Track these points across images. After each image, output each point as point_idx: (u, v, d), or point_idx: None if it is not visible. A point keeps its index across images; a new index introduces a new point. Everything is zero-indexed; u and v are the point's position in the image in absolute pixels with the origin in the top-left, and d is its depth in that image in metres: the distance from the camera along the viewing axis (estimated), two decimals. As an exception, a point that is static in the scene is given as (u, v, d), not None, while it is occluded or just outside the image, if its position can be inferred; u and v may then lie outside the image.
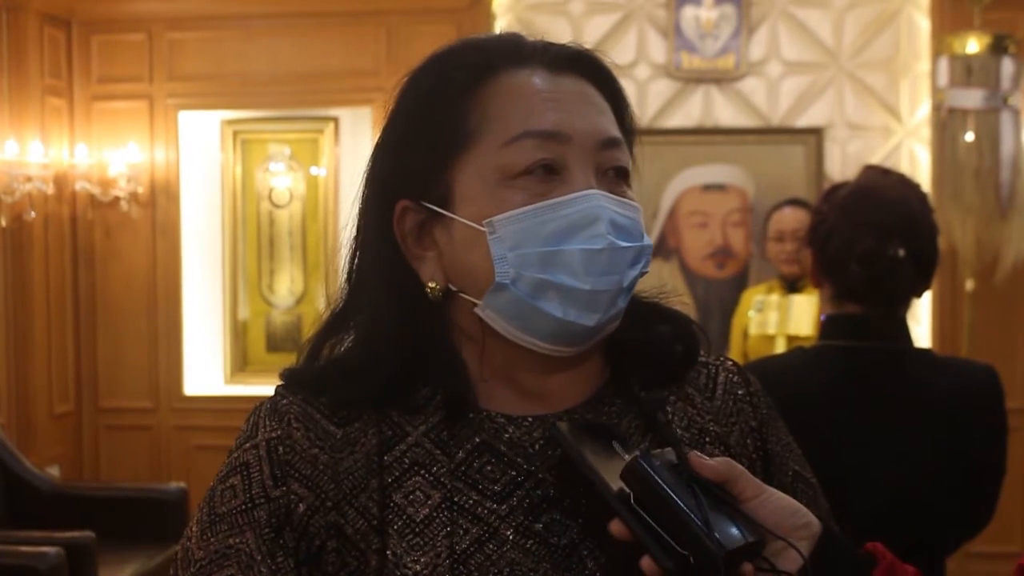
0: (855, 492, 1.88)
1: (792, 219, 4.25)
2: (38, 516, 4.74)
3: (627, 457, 1.00)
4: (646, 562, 0.96)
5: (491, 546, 1.03)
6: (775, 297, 4.34)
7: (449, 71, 1.09)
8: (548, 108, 1.05)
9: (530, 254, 1.03)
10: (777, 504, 1.01)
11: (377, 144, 1.12)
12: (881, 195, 2.03)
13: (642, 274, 1.08)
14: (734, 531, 0.96)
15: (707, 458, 1.01)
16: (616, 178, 1.08)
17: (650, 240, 1.09)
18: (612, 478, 0.99)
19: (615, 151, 1.08)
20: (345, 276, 1.14)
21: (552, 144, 1.04)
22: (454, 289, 1.08)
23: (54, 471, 5.46)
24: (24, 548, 4.04)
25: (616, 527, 0.98)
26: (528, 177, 1.04)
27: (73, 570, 4.05)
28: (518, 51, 1.09)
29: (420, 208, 1.08)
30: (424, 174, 1.07)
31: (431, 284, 1.08)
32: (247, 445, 1.08)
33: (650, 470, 0.97)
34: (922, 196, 2.07)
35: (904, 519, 1.93)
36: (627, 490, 0.98)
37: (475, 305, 1.06)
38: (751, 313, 4.41)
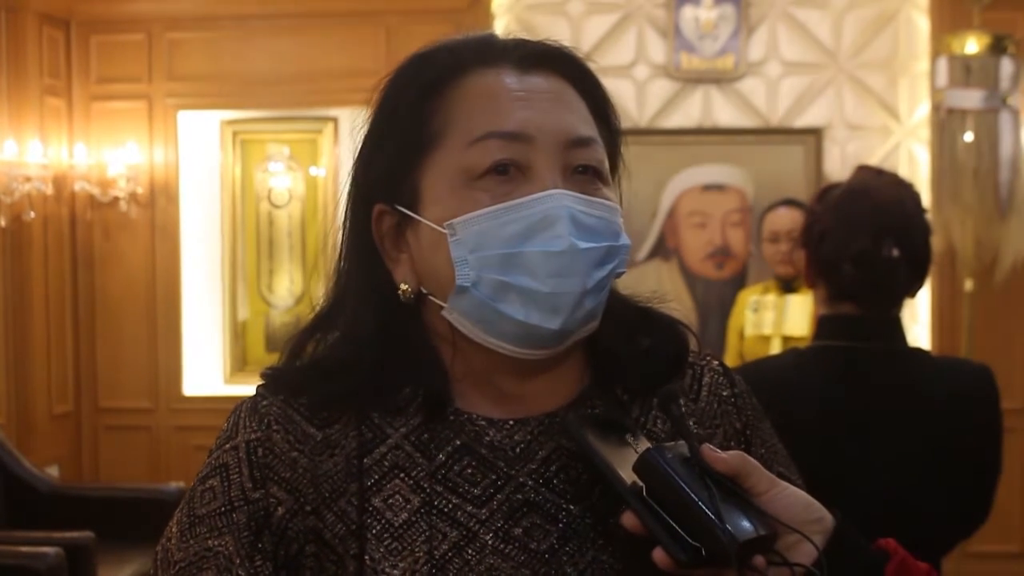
0: (850, 492, 1.87)
1: (786, 219, 4.24)
2: (38, 516, 4.73)
3: (639, 450, 1.00)
4: (658, 554, 0.96)
5: (470, 551, 1.02)
6: (771, 297, 4.34)
7: (419, 73, 1.09)
8: (514, 108, 1.04)
9: (490, 256, 1.02)
10: (790, 498, 1.01)
11: (358, 148, 1.12)
12: (875, 196, 2.03)
13: (617, 274, 1.07)
14: (746, 524, 0.97)
15: (720, 451, 1.00)
16: (588, 177, 1.06)
17: (627, 239, 1.07)
18: (624, 471, 0.99)
19: (585, 150, 1.06)
20: (331, 278, 1.14)
21: (516, 144, 1.03)
22: (424, 292, 1.07)
23: (53, 471, 5.46)
24: (24, 548, 4.04)
25: (628, 519, 0.98)
26: (491, 178, 1.03)
27: (73, 570, 4.05)
28: (488, 50, 1.08)
29: (394, 211, 1.08)
30: (395, 177, 1.07)
31: (403, 286, 1.08)
32: (227, 446, 1.08)
33: (663, 462, 0.97)
34: (915, 196, 2.07)
35: (900, 518, 1.93)
36: (639, 483, 0.98)
37: (443, 308, 1.05)
38: (748, 314, 4.40)
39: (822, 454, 1.89)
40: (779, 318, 4.26)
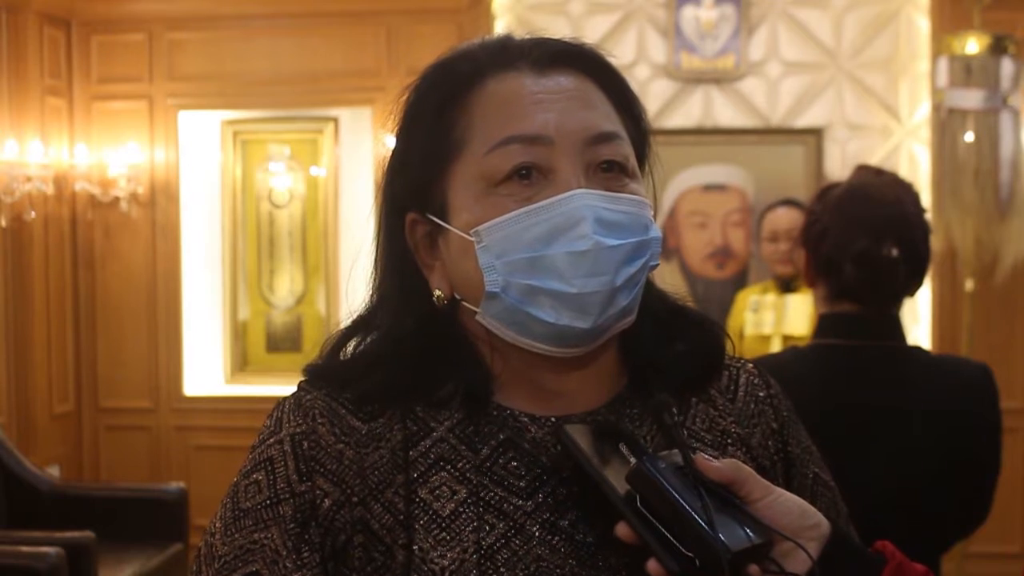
0: (850, 491, 1.88)
1: (786, 219, 4.25)
2: (38, 516, 4.73)
3: (633, 460, 1.00)
4: (652, 565, 0.96)
5: (517, 542, 1.03)
6: (771, 297, 4.34)
7: (440, 81, 1.10)
8: (532, 111, 1.05)
9: (516, 260, 1.02)
10: (785, 505, 1.01)
11: (387, 158, 1.13)
12: (874, 195, 2.03)
13: (651, 267, 1.07)
14: (740, 533, 0.96)
15: (713, 460, 1.00)
16: (613, 173, 1.06)
17: (658, 232, 1.07)
18: (619, 481, 0.99)
19: (607, 145, 1.06)
20: (369, 284, 1.15)
21: (536, 147, 1.04)
22: (458, 298, 1.09)
23: (54, 471, 5.46)
24: (24, 548, 4.04)
25: (622, 530, 0.98)
26: (513, 182, 1.04)
27: (73, 570, 4.05)
28: (505, 53, 1.09)
29: (425, 220, 1.09)
30: (423, 186, 1.08)
31: (437, 293, 1.09)
32: (271, 440, 1.07)
33: (655, 472, 0.97)
34: (915, 196, 2.08)
35: (899, 517, 1.93)
36: (633, 493, 0.98)
37: (476, 313, 1.06)
38: (747, 314, 4.40)
39: (821, 452, 1.89)
40: (779, 318, 4.26)
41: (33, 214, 5.43)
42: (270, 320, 5.99)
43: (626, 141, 1.08)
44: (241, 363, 5.98)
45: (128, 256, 5.88)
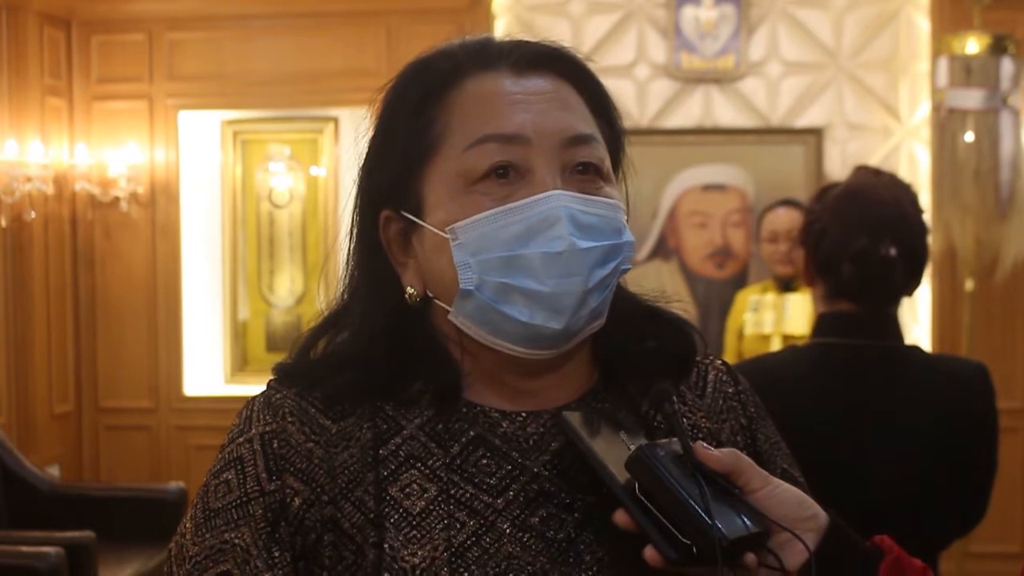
0: (848, 489, 1.89)
1: (785, 219, 4.25)
2: (38, 516, 4.74)
3: (632, 447, 1.00)
4: (649, 551, 0.96)
5: (488, 539, 1.03)
6: (770, 297, 4.34)
7: (418, 80, 1.10)
8: (511, 111, 1.05)
9: (492, 259, 1.03)
10: (783, 495, 1.02)
11: (363, 155, 1.14)
12: (873, 195, 2.05)
13: (622, 271, 1.08)
14: (738, 521, 0.97)
15: (713, 449, 1.01)
16: (588, 175, 1.07)
17: (630, 236, 1.08)
18: (618, 468, 1.00)
19: (583, 148, 1.07)
20: (341, 281, 1.15)
21: (513, 146, 1.04)
22: (431, 295, 1.09)
23: (54, 471, 5.46)
24: (24, 548, 4.05)
25: (620, 517, 0.98)
26: (490, 181, 1.04)
27: (73, 570, 4.06)
28: (485, 54, 1.09)
29: (400, 217, 1.09)
30: (398, 183, 1.09)
31: (409, 290, 1.09)
32: (240, 439, 1.08)
33: (655, 460, 0.98)
34: (913, 196, 2.09)
35: (896, 514, 1.94)
36: (632, 480, 0.98)
37: (448, 312, 1.07)
38: (747, 315, 4.41)
39: (819, 449, 1.90)
40: (779, 317, 4.26)
41: (33, 214, 5.43)
42: (270, 320, 5.99)
43: (602, 144, 1.09)
44: (241, 363, 5.98)
45: (128, 256, 5.89)
